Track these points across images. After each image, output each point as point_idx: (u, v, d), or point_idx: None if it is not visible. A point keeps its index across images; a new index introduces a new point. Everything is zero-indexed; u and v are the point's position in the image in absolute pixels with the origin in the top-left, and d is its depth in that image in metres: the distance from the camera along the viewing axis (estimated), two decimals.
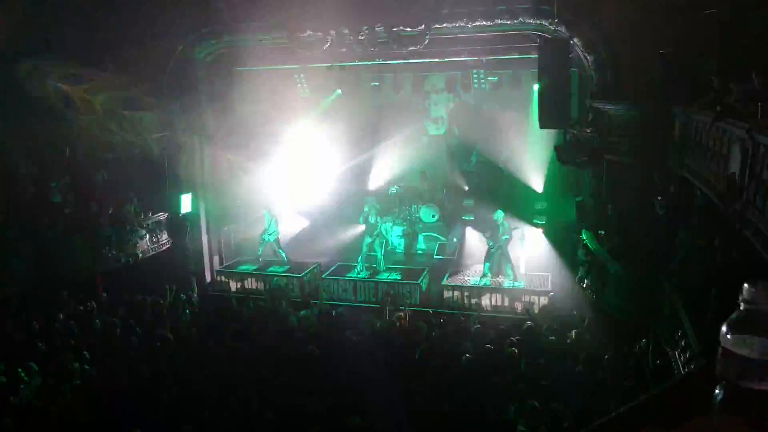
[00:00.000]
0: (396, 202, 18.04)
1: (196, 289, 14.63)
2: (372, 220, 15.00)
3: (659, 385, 1.26)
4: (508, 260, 13.79)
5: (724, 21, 8.90)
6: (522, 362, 9.13)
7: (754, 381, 1.11)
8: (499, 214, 14.07)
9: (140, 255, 15.00)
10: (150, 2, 14.30)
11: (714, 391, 1.18)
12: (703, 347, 7.14)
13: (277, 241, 16.43)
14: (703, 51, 9.74)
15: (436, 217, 17.69)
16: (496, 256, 13.84)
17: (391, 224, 16.75)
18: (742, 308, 1.16)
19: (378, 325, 11.21)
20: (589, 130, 12.05)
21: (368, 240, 15.00)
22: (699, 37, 9.92)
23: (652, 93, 10.59)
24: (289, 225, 18.13)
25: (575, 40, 13.00)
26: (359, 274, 14.83)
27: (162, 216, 15.87)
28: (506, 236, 13.74)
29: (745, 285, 1.15)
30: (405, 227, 17.40)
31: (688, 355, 8.01)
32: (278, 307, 12.61)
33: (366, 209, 15.33)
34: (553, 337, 10.60)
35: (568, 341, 10.71)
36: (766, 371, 1.10)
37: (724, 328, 1.16)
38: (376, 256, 15.13)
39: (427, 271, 14.94)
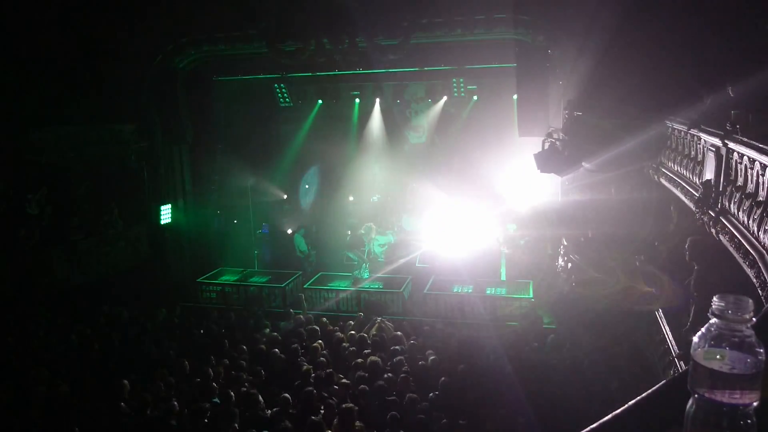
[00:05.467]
0: (378, 211, 18.06)
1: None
2: (365, 238, 15.24)
3: (634, 397, 1.27)
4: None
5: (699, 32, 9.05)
6: (506, 369, 9.14)
7: (725, 394, 1.11)
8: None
9: (119, 266, 14.82)
10: (128, 12, 14.20)
11: (686, 404, 1.18)
12: (682, 352, 7.23)
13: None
14: (679, 60, 9.90)
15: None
16: None
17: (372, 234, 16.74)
18: (712, 322, 1.17)
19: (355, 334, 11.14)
20: (567, 138, 12.16)
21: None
22: (676, 45, 10.09)
23: (629, 101, 10.73)
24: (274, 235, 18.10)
25: (553, 49, 13.15)
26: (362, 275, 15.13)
27: (142, 227, 15.69)
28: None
29: (715, 299, 1.16)
30: (388, 236, 17.40)
31: (668, 360, 8.11)
32: (255, 317, 12.48)
33: (365, 227, 15.70)
34: (536, 344, 10.64)
35: (549, 348, 10.75)
36: (736, 384, 1.11)
37: (694, 342, 1.17)
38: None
39: (409, 279, 14.92)
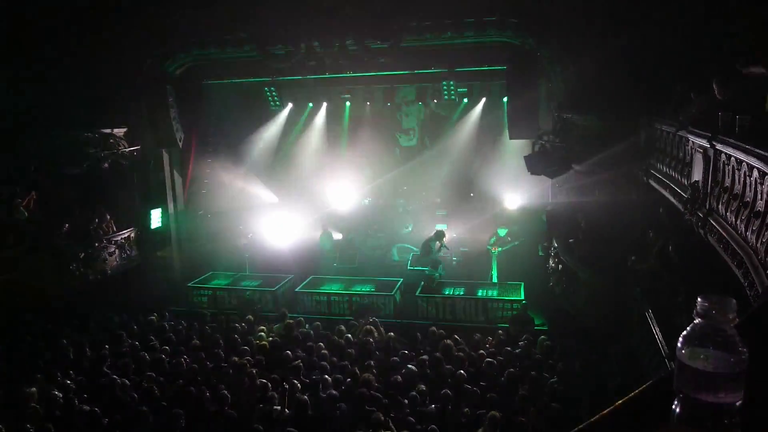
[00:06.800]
0: (370, 214, 18.06)
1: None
2: (433, 245, 14.81)
3: (621, 398, 1.29)
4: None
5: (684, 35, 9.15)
6: (496, 372, 9.16)
7: (709, 394, 1.13)
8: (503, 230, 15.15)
9: (110, 271, 14.74)
10: (118, 16, 14.14)
11: (672, 404, 1.19)
12: (672, 353, 7.27)
13: None
14: (666, 63, 9.99)
15: (410, 228, 17.74)
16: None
17: (364, 237, 16.75)
18: (696, 322, 1.18)
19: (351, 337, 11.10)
20: (557, 140, 12.23)
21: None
22: (663, 48, 10.18)
23: (618, 103, 10.81)
24: (264, 238, 18.05)
25: (543, 51, 13.22)
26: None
27: (132, 231, 15.62)
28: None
29: (699, 299, 1.17)
30: (380, 239, 17.39)
31: (659, 360, 8.15)
32: (248, 321, 12.44)
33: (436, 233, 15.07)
34: (524, 342, 10.66)
35: (540, 349, 10.78)
36: (721, 384, 1.12)
37: (679, 342, 1.18)
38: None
39: (401, 282, 14.91)
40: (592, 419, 1.28)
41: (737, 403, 1.13)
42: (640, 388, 1.35)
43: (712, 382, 1.12)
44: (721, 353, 1.13)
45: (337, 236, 17.09)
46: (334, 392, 8.15)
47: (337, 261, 16.46)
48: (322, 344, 10.57)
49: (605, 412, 1.29)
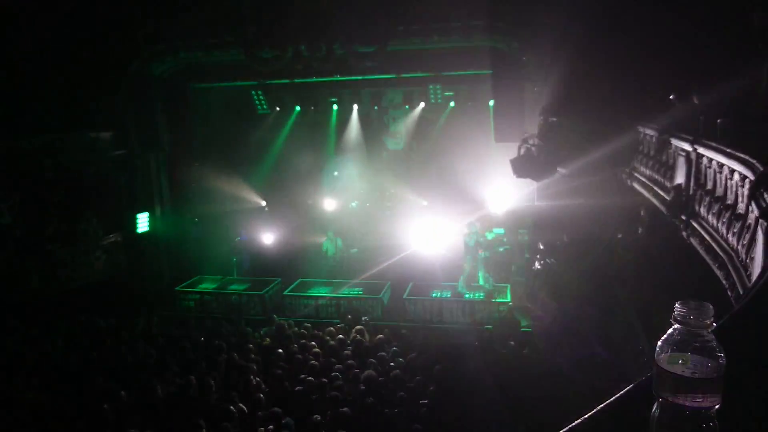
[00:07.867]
0: (356, 218, 18.07)
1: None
2: (471, 243, 14.19)
3: (603, 401, 1.31)
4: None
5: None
6: (483, 373, 9.18)
7: (687, 398, 1.15)
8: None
9: (96, 275, 14.60)
10: (104, 19, 14.05)
11: (651, 408, 1.22)
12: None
13: None
14: (650, 66, 10.09)
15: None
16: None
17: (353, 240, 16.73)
18: (674, 327, 1.20)
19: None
20: (542, 144, 12.31)
21: (470, 262, 14.23)
22: (646, 54, 10.28)
23: (603, 107, 10.90)
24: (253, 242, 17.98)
25: (528, 56, 13.31)
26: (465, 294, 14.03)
27: (119, 235, 15.49)
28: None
29: (676, 305, 1.20)
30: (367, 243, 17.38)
31: (643, 361, 8.22)
32: (236, 325, 12.39)
33: (470, 231, 14.32)
34: (512, 343, 10.70)
35: (525, 352, 10.82)
36: (699, 388, 1.15)
37: (657, 347, 1.21)
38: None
39: (389, 284, 14.92)
40: (572, 424, 1.30)
41: (715, 407, 1.16)
42: (620, 393, 1.37)
43: (691, 386, 1.15)
44: (699, 358, 1.16)
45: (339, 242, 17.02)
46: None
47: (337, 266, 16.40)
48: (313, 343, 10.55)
49: (586, 416, 1.32)
